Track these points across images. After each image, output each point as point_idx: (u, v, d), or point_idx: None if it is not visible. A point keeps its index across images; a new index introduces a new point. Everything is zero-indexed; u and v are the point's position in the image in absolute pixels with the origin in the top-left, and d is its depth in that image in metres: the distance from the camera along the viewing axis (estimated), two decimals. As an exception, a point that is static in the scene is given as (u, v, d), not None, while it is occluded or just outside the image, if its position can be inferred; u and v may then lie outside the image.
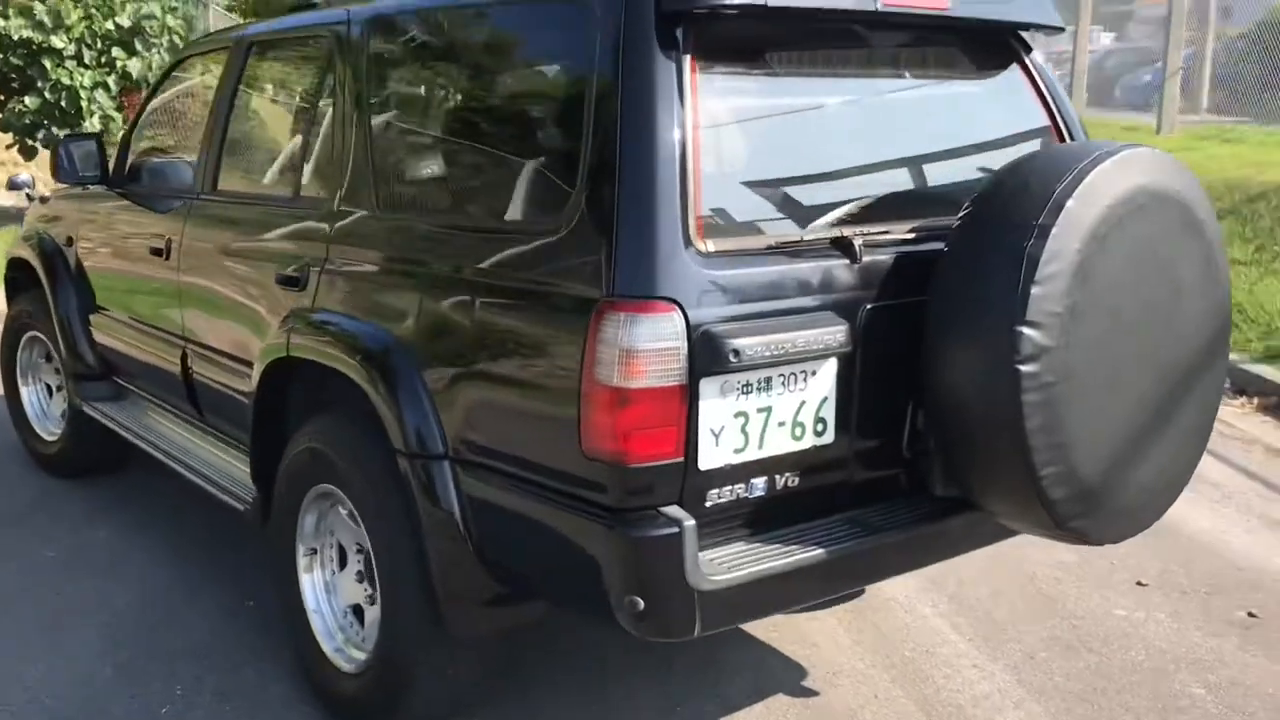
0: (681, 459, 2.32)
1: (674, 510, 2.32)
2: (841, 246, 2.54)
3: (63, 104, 12.85)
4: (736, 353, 2.30)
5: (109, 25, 13.36)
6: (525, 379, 2.51)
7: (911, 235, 2.68)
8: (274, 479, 3.30)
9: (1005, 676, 3.43)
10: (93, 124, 12.87)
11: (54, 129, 12.97)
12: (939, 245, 2.62)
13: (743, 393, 2.40)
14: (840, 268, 2.54)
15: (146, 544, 4.35)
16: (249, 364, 3.48)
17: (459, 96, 3.03)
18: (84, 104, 12.90)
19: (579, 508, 2.39)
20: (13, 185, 5.39)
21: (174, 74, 4.50)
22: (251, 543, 4.13)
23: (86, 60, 13.17)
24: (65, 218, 4.99)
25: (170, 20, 14.22)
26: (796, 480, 2.56)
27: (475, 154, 2.96)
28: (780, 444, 2.48)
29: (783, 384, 2.45)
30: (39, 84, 12.90)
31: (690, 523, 2.30)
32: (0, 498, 4.86)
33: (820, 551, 2.51)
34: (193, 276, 3.86)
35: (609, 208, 2.33)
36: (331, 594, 3.21)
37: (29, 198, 5.37)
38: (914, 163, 2.91)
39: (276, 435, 3.38)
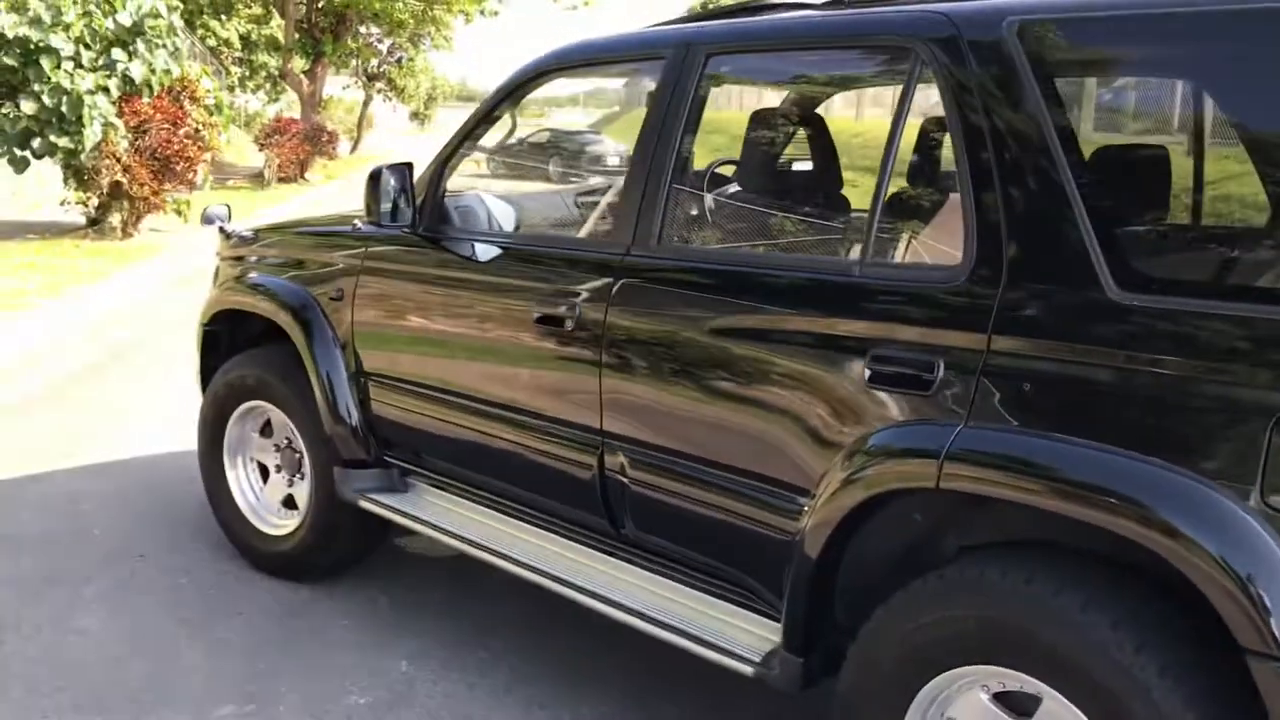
0: None
1: None
2: None
3: (62, 109, 11.55)
4: None
5: (108, 24, 12.08)
6: None
7: None
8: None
9: None
10: (93, 132, 11.62)
11: (51, 137, 11.66)
12: None
13: None
14: None
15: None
16: (785, 487, 2.59)
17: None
18: (85, 110, 11.62)
19: None
20: (207, 220, 4.30)
21: (523, 90, 3.50)
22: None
23: (85, 62, 11.87)
24: (318, 262, 3.98)
25: (176, 19, 12.96)
26: None
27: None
28: None
29: None
30: (34, 87, 11.57)
31: None
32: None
33: None
34: (647, 362, 2.91)
35: None
36: None
37: (224, 233, 4.31)
38: None
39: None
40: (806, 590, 2.54)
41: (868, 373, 2.46)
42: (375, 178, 3.51)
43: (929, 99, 2.63)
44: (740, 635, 2.80)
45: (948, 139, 2.52)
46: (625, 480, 3.00)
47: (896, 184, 3.14)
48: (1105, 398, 2.15)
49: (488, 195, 3.76)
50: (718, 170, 3.44)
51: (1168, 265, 2.33)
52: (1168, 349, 2.08)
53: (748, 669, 2.69)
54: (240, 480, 4.31)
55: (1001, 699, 2.31)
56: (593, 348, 3.02)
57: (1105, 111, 2.84)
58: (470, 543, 3.39)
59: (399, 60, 29.86)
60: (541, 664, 3.55)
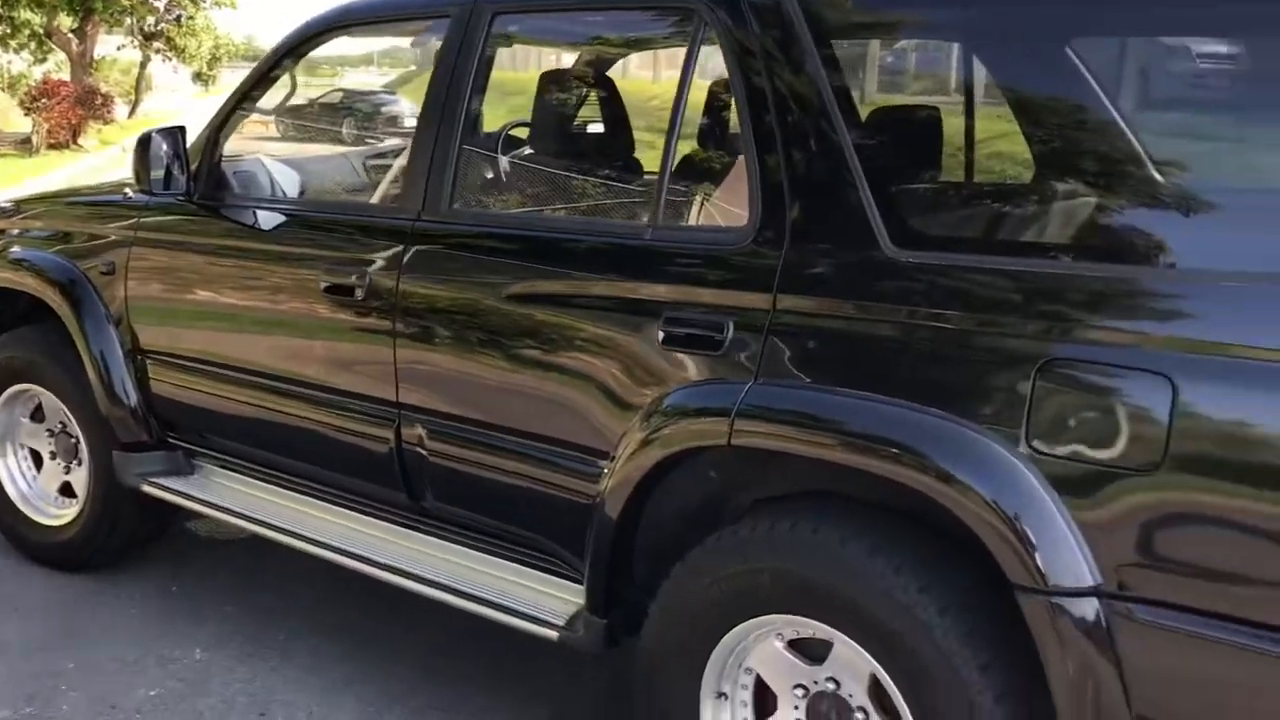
0: None
1: None
2: None
3: None
4: None
5: None
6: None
7: None
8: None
9: None
10: None
11: None
12: None
13: None
14: None
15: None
16: (585, 451, 2.60)
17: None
18: None
19: None
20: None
21: (304, 49, 3.35)
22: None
23: None
24: (86, 234, 3.74)
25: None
26: None
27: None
28: None
29: None
30: None
31: None
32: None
33: None
34: (442, 330, 2.85)
35: None
36: None
37: (-7, 207, 4.04)
38: None
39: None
40: (607, 551, 2.56)
41: (661, 335, 2.47)
42: (144, 143, 3.32)
43: (716, 61, 2.65)
44: (545, 600, 2.79)
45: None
46: (424, 452, 2.94)
47: (689, 147, 3.17)
48: (884, 352, 2.22)
49: (269, 160, 3.60)
50: (510, 133, 3.39)
51: (941, 222, 2.42)
52: (941, 303, 2.16)
53: (552, 633, 2.69)
54: (11, 468, 4.03)
55: (796, 646, 2.38)
56: (385, 317, 2.94)
57: (886, 74, 2.93)
58: (263, 524, 3.27)
59: (178, 18, 28.32)
60: (345, 642, 3.47)
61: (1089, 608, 1.99)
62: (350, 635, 3.51)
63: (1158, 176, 2.14)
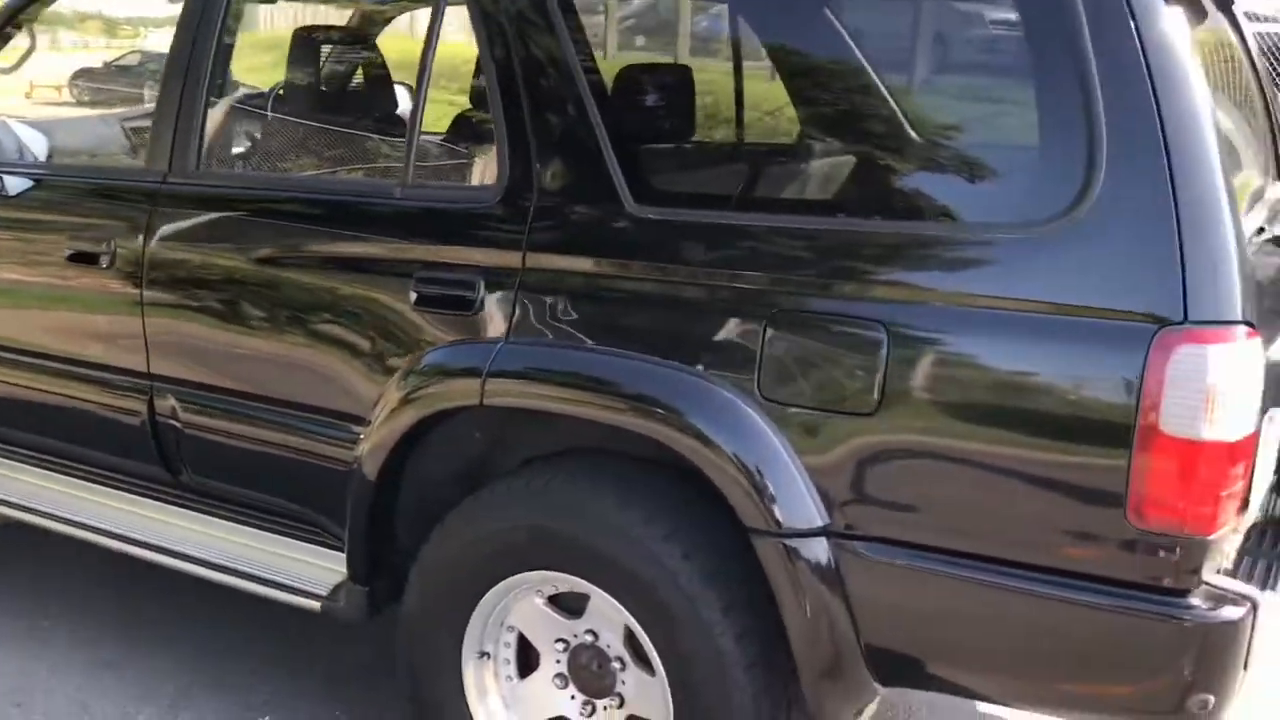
0: (1240, 518, 1.92)
1: (1236, 583, 1.93)
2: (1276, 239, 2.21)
3: None
4: None
5: None
6: (994, 436, 1.97)
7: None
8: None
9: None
10: None
11: None
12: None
13: (1270, 427, 2.02)
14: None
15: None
16: (343, 416, 2.56)
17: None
18: None
19: (1110, 593, 1.91)
20: None
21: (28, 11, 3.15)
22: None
23: None
24: None
25: None
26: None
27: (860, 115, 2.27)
28: (1267, 478, 2.14)
29: None
30: None
31: (1260, 595, 1.91)
32: None
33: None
34: (192, 297, 2.75)
35: (1156, 194, 1.84)
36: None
37: None
38: (1248, 132, 2.64)
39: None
40: (364, 517, 2.53)
41: (414, 295, 2.45)
42: None
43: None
44: (308, 571, 2.73)
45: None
46: (178, 425, 2.84)
47: (449, 105, 3.13)
48: (626, 308, 2.26)
49: (14, 122, 3.40)
50: (264, 91, 3.29)
51: (683, 180, 2.46)
52: (678, 258, 2.21)
53: (314, 604, 2.64)
54: None
55: (555, 601, 2.40)
56: (133, 285, 2.82)
57: (631, 32, 2.95)
58: (11, 505, 3.10)
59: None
60: (110, 624, 3.34)
61: (818, 548, 2.08)
62: (115, 617, 3.38)
63: (905, 135, 2.23)
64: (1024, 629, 2.00)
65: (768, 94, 2.80)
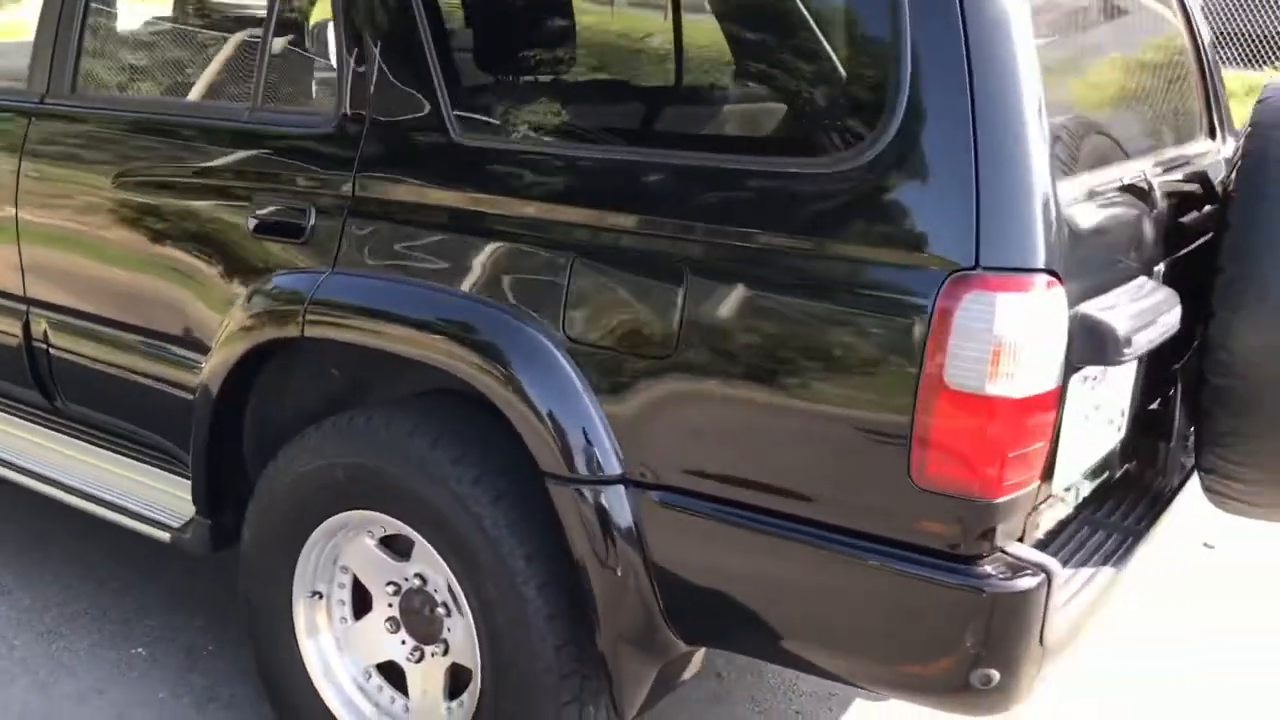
0: (1039, 483, 1.77)
1: (1029, 552, 1.79)
2: (1137, 191, 2.04)
3: None
4: (1128, 341, 1.76)
5: None
6: (785, 384, 1.84)
7: (1178, 174, 2.23)
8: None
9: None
10: None
11: None
12: (1194, 184, 2.21)
13: (1091, 388, 1.88)
14: (1144, 217, 2.06)
15: None
16: (188, 344, 2.51)
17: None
18: None
19: (892, 555, 1.78)
20: None
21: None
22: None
23: None
24: None
25: None
26: (1087, 488, 2.10)
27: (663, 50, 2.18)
28: (1100, 447, 2.00)
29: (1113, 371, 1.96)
30: None
31: (1058, 567, 1.76)
32: None
33: (1111, 569, 2.09)
34: (59, 219, 2.72)
35: (956, 132, 1.69)
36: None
37: None
38: (1144, 89, 2.47)
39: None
40: (203, 448, 2.48)
41: (253, 222, 2.39)
42: None
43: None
44: (170, 503, 2.70)
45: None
46: (49, 348, 2.83)
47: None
48: (446, 239, 2.16)
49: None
50: (144, 15, 3.22)
51: (509, 111, 2.33)
52: (498, 189, 2.11)
53: (165, 535, 2.61)
54: None
55: (387, 543, 2.34)
56: (10, 206, 2.80)
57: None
58: None
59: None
60: (9, 554, 3.34)
61: (614, 496, 1.98)
62: (21, 546, 3.39)
63: (720, 73, 2.12)
64: (811, 591, 1.89)
65: (606, 28, 2.64)
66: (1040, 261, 1.68)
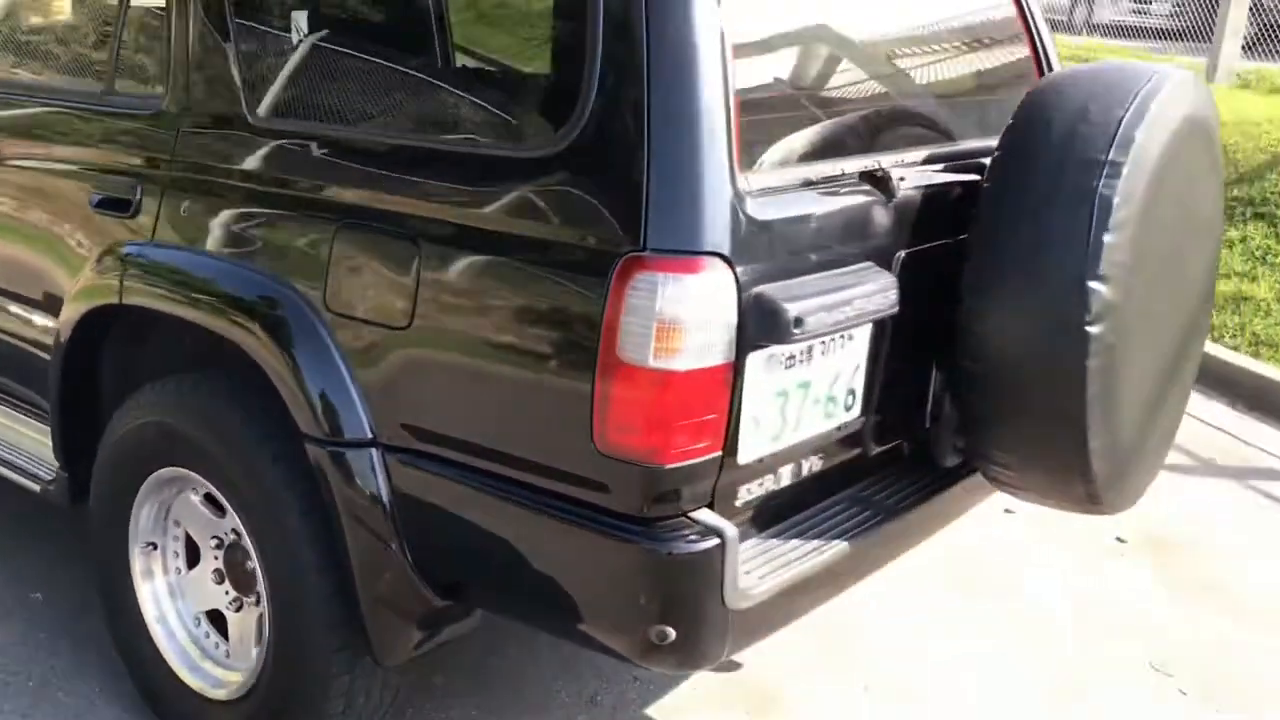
0: (720, 453, 1.87)
1: (709, 516, 1.88)
2: (874, 180, 2.11)
3: None
4: (798, 321, 1.84)
5: None
6: (498, 354, 1.98)
7: (939, 167, 2.28)
8: (92, 457, 2.61)
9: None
10: None
11: None
12: (965, 178, 2.26)
13: (786, 367, 1.96)
14: (877, 207, 2.12)
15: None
16: (49, 309, 2.71)
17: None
18: None
19: (583, 516, 1.90)
20: None
21: None
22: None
23: None
24: None
25: None
26: (818, 464, 2.18)
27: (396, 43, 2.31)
28: (814, 424, 2.08)
29: (822, 353, 2.04)
30: None
31: (733, 532, 1.86)
32: None
33: (844, 544, 2.15)
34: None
35: (634, 125, 1.80)
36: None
37: None
38: (920, 81, 2.52)
39: (89, 404, 2.70)
40: (57, 404, 2.68)
41: (94, 198, 2.58)
42: None
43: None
44: (47, 456, 2.90)
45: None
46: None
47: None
48: (237, 215, 2.33)
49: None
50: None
51: (300, 95, 2.40)
52: (278, 168, 2.28)
53: (35, 486, 2.81)
54: None
55: (211, 500, 2.50)
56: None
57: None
58: None
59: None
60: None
61: (365, 458, 2.13)
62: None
63: (450, 59, 2.26)
64: (526, 550, 2.01)
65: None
66: (706, 245, 1.78)
